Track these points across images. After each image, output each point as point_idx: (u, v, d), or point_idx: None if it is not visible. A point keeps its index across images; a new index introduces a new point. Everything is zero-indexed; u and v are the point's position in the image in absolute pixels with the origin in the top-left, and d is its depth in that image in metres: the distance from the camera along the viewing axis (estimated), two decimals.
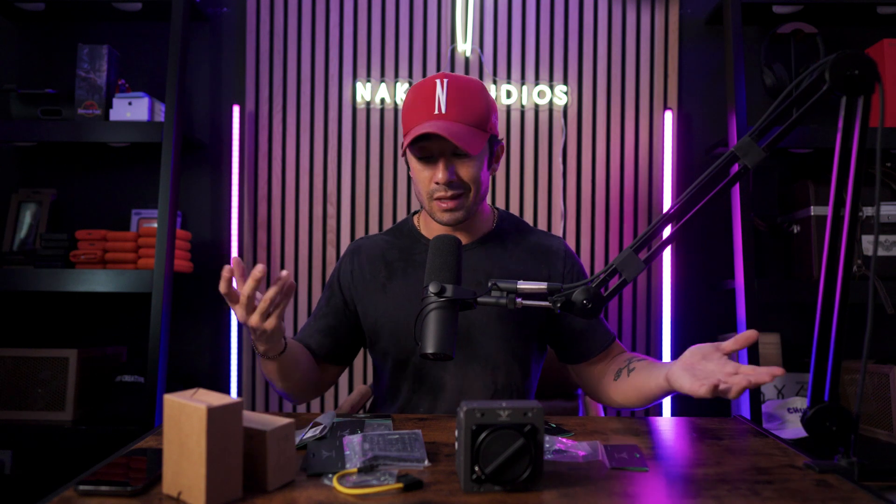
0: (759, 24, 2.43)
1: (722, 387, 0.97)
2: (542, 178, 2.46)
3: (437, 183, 1.28)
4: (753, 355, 2.03)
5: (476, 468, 0.81)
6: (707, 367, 1.06)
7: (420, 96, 1.29)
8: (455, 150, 1.27)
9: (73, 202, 2.46)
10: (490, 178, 1.38)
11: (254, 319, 1.07)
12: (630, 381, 1.29)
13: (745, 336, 1.03)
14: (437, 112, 1.26)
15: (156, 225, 2.16)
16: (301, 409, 2.41)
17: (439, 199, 1.30)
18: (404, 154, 1.36)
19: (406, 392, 1.38)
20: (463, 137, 1.24)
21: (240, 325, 2.41)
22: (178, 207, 2.30)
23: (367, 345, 1.45)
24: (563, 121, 2.47)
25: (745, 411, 2.04)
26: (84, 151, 2.46)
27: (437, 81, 1.28)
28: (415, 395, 1.38)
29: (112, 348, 2.36)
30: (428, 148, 1.28)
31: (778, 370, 0.96)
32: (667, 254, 2.39)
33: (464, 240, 1.39)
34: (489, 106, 1.31)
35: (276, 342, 1.15)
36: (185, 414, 0.76)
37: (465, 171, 1.29)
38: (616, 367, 1.36)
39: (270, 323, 1.08)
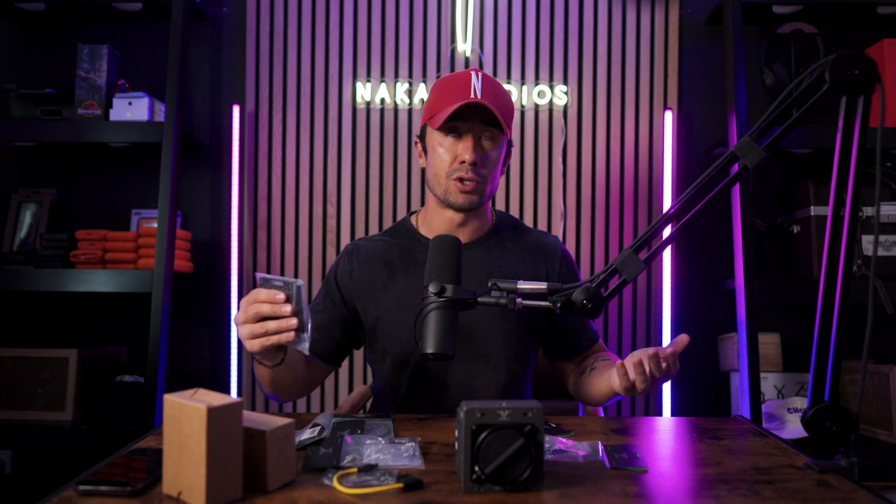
0: (759, 24, 2.43)
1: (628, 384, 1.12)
2: (542, 178, 2.46)
3: (462, 162, 1.31)
4: (753, 355, 2.03)
5: (476, 468, 0.81)
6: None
7: (454, 84, 1.33)
8: (483, 133, 1.32)
9: (73, 202, 2.46)
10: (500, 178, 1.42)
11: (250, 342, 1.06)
12: (588, 380, 1.36)
13: (679, 340, 1.12)
14: (472, 96, 1.30)
15: (156, 225, 2.16)
16: (301, 409, 2.41)
17: (459, 178, 1.32)
18: (420, 136, 1.40)
19: (407, 390, 1.38)
20: (500, 115, 1.30)
21: None
22: (178, 207, 2.30)
23: (366, 343, 1.45)
24: (563, 121, 2.46)
25: (745, 411, 2.04)
26: (84, 151, 2.46)
27: (472, 73, 1.33)
28: (416, 393, 1.38)
29: (112, 348, 2.36)
30: (458, 128, 1.32)
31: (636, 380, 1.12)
32: (667, 254, 2.39)
33: (463, 239, 1.40)
34: (512, 104, 1.38)
35: (271, 359, 1.14)
36: (185, 414, 0.76)
37: (491, 153, 1.34)
38: (587, 364, 1.42)
39: (252, 346, 1.05)
